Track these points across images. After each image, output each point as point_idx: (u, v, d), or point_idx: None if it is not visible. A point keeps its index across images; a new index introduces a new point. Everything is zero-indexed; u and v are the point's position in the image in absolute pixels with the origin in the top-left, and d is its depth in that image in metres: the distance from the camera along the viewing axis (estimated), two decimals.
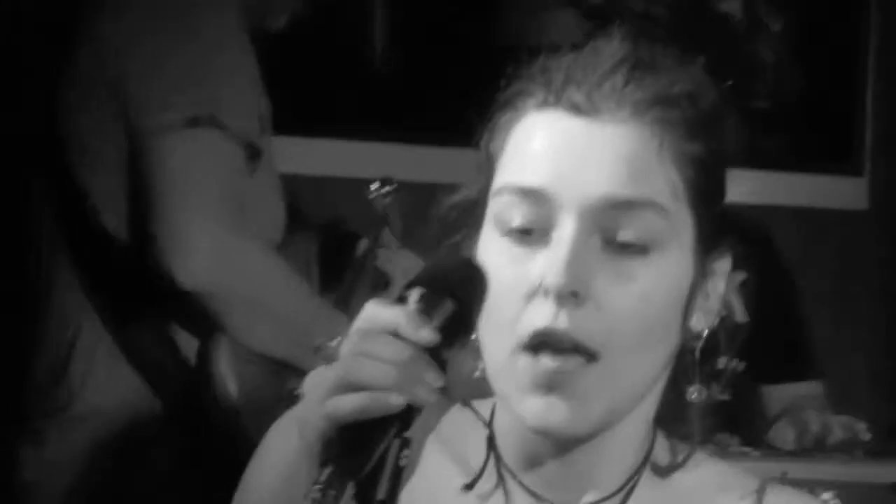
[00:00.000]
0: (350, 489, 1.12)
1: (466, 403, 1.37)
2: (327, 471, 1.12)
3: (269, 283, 2.43)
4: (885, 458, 3.18)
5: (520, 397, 1.26)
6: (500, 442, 1.34)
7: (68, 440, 2.45)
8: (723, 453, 2.40)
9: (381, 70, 3.55)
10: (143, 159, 2.39)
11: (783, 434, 2.90)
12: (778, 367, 3.17)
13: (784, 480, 1.37)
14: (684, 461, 1.34)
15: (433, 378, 1.16)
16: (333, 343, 1.13)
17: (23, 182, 2.59)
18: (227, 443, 2.40)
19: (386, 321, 1.17)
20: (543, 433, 1.28)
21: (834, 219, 4.03)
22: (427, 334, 1.16)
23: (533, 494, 1.33)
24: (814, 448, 2.86)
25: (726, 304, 1.37)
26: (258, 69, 2.49)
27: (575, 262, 1.25)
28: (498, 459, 1.34)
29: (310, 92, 3.45)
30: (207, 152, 2.37)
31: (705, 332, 1.33)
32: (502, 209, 1.30)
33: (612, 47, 1.32)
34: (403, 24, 3.56)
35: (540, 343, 1.25)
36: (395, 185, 2.95)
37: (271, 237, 2.55)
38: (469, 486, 1.34)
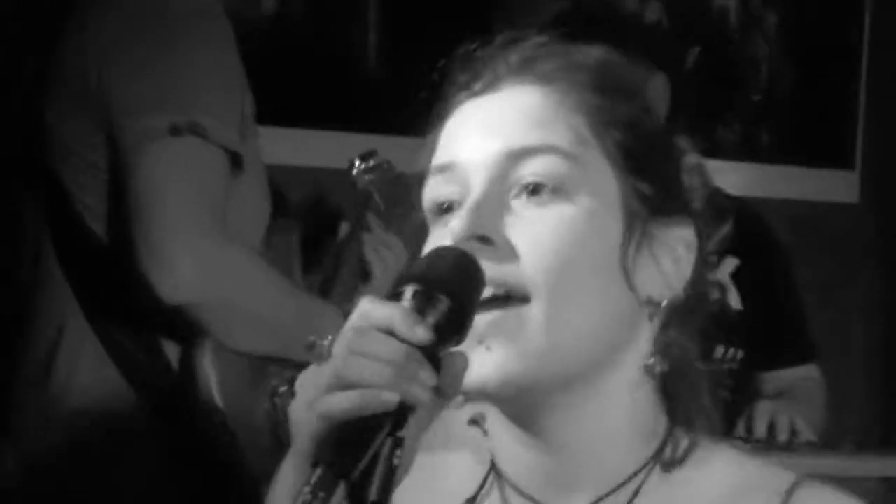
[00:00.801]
0: (341, 490, 1.10)
1: (475, 420, 1.35)
2: (318, 471, 1.10)
3: (253, 288, 2.40)
4: (874, 451, 3.18)
5: None
6: (495, 447, 1.33)
7: (51, 439, 2.43)
8: None
9: (372, 59, 3.54)
10: (124, 168, 2.36)
11: (755, 424, 2.89)
12: (775, 352, 3.15)
13: (804, 477, 1.32)
14: (685, 454, 1.31)
15: (427, 377, 1.15)
16: (326, 341, 1.13)
17: (15, 182, 2.57)
18: (212, 445, 2.40)
19: (380, 319, 1.16)
20: (477, 391, 1.25)
21: (825, 212, 4.04)
22: (422, 333, 1.15)
23: (530, 499, 1.31)
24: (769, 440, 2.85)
25: (718, 288, 1.36)
26: (242, 67, 2.45)
27: (478, 209, 1.27)
28: (494, 466, 1.34)
29: (299, 82, 3.43)
30: (188, 162, 2.33)
31: (664, 303, 1.31)
32: (428, 196, 1.33)
33: (511, 40, 1.36)
34: (396, 13, 3.56)
35: None
36: (379, 160, 2.89)
37: (254, 232, 2.54)
38: (471, 500, 1.33)
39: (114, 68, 2.39)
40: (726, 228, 1.37)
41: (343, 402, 1.13)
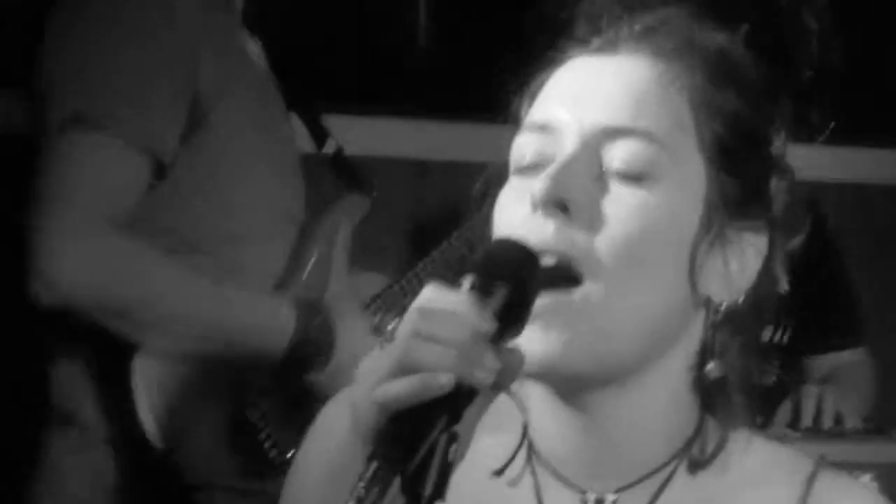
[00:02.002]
0: (396, 485, 1.10)
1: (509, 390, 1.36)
2: (373, 465, 1.10)
3: (159, 286, 2.30)
4: None
5: None
6: (532, 426, 1.33)
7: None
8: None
9: (424, 47, 3.54)
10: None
11: (802, 409, 2.88)
12: (822, 336, 3.14)
13: (822, 463, 1.35)
14: (714, 453, 1.31)
15: (491, 360, 1.14)
16: (391, 324, 1.11)
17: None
18: (143, 457, 2.37)
19: (445, 304, 1.16)
20: (530, 370, 1.23)
21: (881, 193, 4.00)
22: (487, 323, 1.15)
23: (562, 479, 1.32)
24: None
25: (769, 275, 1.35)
26: (192, 51, 2.34)
27: (564, 174, 1.26)
28: (530, 445, 1.33)
29: (354, 70, 3.43)
30: (83, 157, 2.24)
31: (723, 306, 1.31)
32: (517, 149, 1.32)
33: (639, 2, 1.35)
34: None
35: None
36: None
37: (290, 214, 2.49)
38: (498, 473, 1.33)
39: (47, 51, 2.33)
40: (795, 242, 1.37)
41: (399, 388, 1.12)
